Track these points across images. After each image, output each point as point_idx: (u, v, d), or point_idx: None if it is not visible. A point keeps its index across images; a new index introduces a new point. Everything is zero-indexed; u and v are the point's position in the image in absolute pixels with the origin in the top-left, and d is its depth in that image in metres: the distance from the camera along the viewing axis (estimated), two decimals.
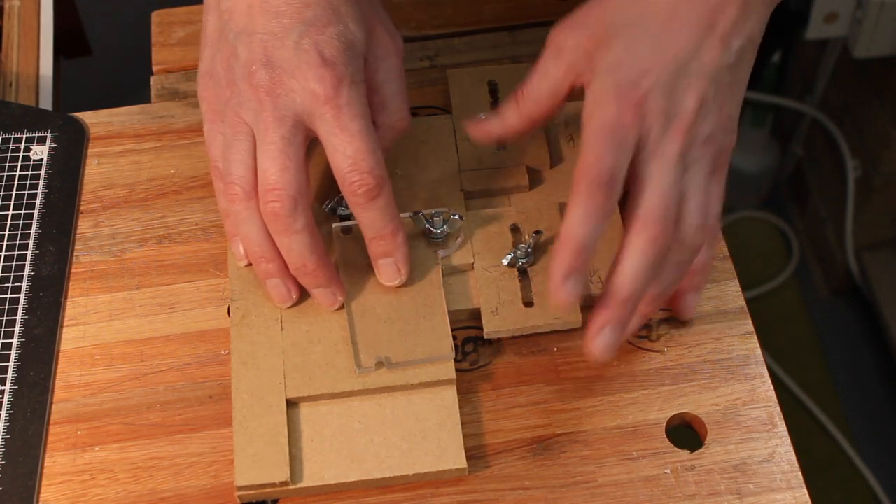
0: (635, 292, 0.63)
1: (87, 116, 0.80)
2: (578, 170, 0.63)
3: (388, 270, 0.68)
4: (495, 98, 0.77)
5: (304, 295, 0.69)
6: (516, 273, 0.70)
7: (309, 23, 0.64)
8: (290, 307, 0.69)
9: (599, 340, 0.64)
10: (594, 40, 0.66)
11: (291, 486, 0.63)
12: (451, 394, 0.66)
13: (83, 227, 0.75)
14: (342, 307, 0.68)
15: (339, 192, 0.67)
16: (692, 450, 0.66)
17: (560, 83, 0.67)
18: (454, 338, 0.68)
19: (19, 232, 0.74)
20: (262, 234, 0.66)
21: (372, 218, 0.66)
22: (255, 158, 0.65)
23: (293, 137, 0.64)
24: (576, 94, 0.66)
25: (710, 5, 0.65)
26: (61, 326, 0.70)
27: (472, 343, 0.69)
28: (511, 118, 0.69)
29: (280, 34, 0.64)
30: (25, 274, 0.72)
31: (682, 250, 0.64)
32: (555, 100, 0.67)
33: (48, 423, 0.67)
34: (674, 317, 0.70)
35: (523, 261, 0.70)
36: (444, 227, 0.70)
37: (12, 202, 0.75)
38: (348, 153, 0.64)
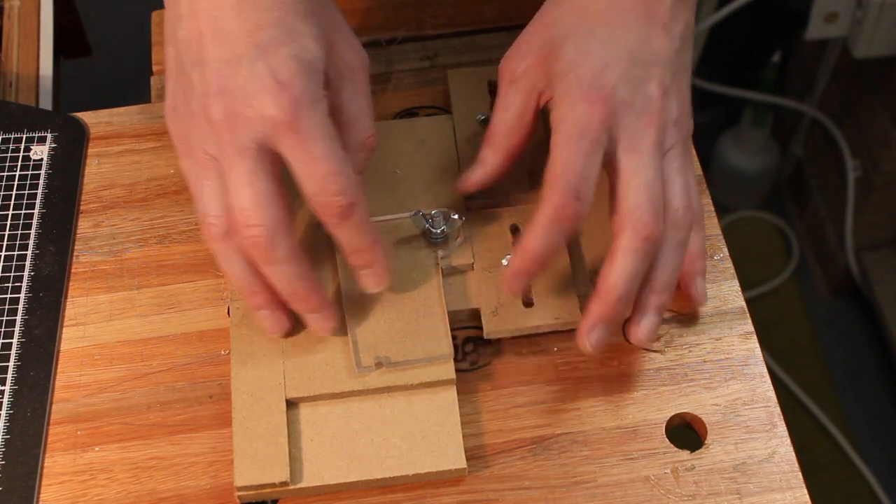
0: (628, 291, 0.64)
1: (87, 116, 0.80)
2: (548, 177, 0.64)
3: (370, 281, 0.67)
4: (495, 98, 0.77)
5: None
6: None
7: (263, 46, 0.61)
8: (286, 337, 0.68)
9: (592, 336, 0.65)
10: (544, 56, 0.67)
11: (291, 487, 0.63)
12: (450, 394, 0.66)
13: (83, 227, 0.75)
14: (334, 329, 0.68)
15: None
16: (692, 450, 0.65)
17: (525, 108, 0.68)
18: (454, 338, 0.68)
19: (19, 232, 0.74)
20: (247, 269, 0.65)
21: (348, 235, 0.65)
22: (226, 194, 0.63)
23: (259, 168, 0.62)
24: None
25: None
26: (61, 326, 0.70)
27: (471, 343, 0.69)
28: (490, 159, 0.70)
29: (233, 61, 0.61)
30: (25, 274, 0.72)
31: (678, 231, 0.66)
32: (525, 127, 0.69)
33: (48, 423, 0.67)
34: (675, 316, 0.70)
35: None
36: (444, 227, 0.70)
37: (12, 202, 0.75)
38: (316, 178, 0.62)
